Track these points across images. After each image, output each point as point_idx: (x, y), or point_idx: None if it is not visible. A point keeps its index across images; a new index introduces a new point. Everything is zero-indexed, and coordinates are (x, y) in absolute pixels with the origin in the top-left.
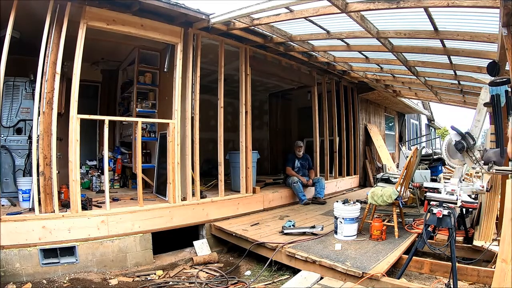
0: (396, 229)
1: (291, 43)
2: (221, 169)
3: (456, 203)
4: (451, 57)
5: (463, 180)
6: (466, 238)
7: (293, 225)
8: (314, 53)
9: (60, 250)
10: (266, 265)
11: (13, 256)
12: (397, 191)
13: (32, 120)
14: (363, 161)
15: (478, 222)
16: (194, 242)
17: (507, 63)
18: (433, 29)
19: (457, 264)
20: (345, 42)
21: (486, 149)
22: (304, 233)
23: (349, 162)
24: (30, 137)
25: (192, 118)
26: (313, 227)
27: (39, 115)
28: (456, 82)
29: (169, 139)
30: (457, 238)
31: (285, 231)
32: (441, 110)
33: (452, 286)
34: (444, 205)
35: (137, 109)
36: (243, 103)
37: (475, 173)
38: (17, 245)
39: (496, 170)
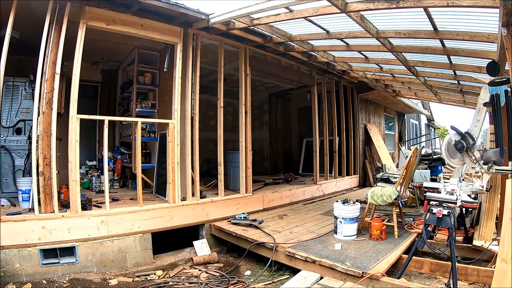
0: (396, 229)
1: (291, 43)
2: (221, 169)
3: (455, 203)
4: (451, 57)
5: (463, 180)
6: (466, 237)
7: (245, 217)
8: (314, 53)
9: (60, 250)
10: (267, 266)
11: (13, 256)
12: (397, 191)
13: (31, 120)
14: (363, 161)
15: (478, 221)
16: (194, 242)
17: (507, 63)
18: (432, 29)
19: (457, 263)
20: (345, 42)
21: (486, 149)
22: (250, 225)
23: (349, 162)
24: (29, 137)
25: (192, 118)
26: (255, 220)
27: (38, 115)
28: (455, 82)
29: (169, 139)
30: (457, 237)
31: (232, 221)
32: (441, 110)
33: (452, 286)
34: (443, 205)
35: (137, 109)
36: (242, 103)
37: (475, 172)
38: (17, 245)
39: (495, 170)
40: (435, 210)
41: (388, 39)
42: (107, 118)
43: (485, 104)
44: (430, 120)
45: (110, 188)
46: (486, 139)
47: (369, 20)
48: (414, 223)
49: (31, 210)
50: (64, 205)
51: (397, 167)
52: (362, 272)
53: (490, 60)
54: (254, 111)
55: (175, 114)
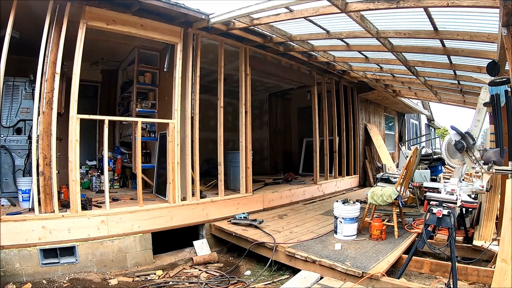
0: (396, 229)
1: (291, 43)
2: (221, 169)
3: (456, 203)
4: (451, 57)
5: (463, 180)
6: (466, 238)
7: (245, 217)
8: (314, 53)
9: (60, 250)
10: (267, 266)
11: (13, 256)
12: (397, 191)
13: (32, 120)
14: (363, 161)
15: (478, 221)
16: (194, 242)
17: (507, 63)
18: (433, 29)
19: (457, 263)
20: (345, 42)
21: (486, 149)
22: (250, 225)
23: (349, 162)
24: (30, 137)
25: (192, 118)
26: (255, 220)
27: (39, 115)
28: (456, 82)
29: (169, 139)
30: (457, 238)
31: (232, 221)
32: (441, 110)
33: (452, 286)
34: (444, 205)
35: (137, 109)
36: (243, 103)
37: (475, 172)
38: (17, 245)
39: (495, 170)
40: (435, 210)
41: (388, 39)
42: (107, 118)
43: (485, 104)
44: (430, 120)
45: (110, 188)
46: (486, 139)
47: (369, 20)
48: (414, 223)
49: (31, 210)
50: (64, 205)
51: (397, 167)
52: (362, 272)
53: (490, 60)
54: (254, 111)
55: (175, 114)
